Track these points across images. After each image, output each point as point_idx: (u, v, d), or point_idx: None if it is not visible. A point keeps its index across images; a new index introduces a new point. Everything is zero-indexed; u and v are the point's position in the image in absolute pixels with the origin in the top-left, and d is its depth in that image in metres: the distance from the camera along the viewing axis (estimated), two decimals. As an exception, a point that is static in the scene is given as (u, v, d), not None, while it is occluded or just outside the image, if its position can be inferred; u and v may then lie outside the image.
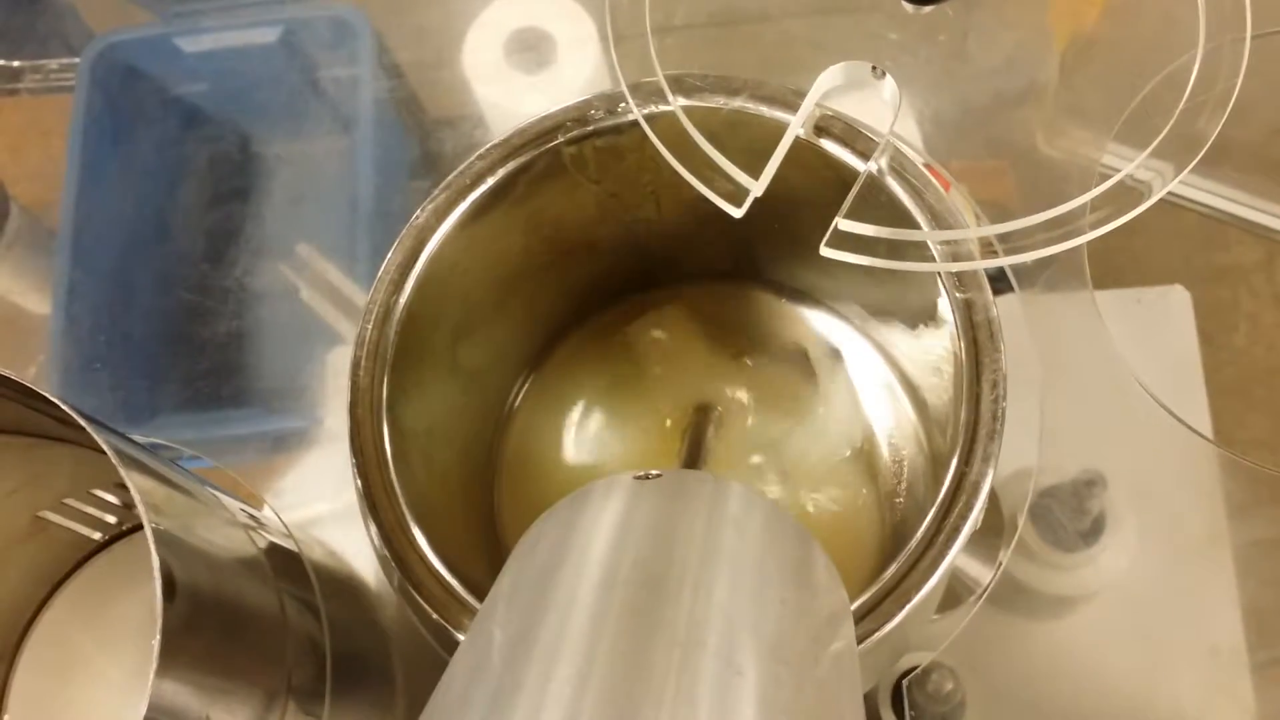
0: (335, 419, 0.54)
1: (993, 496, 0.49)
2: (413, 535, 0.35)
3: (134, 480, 0.31)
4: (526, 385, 0.48)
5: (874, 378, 0.48)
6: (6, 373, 0.33)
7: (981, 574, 0.48)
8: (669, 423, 0.48)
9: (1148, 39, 0.45)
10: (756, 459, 0.47)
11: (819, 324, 0.49)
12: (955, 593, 0.48)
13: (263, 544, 0.40)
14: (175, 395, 0.57)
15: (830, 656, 0.26)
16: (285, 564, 0.40)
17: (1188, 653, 0.50)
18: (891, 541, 0.47)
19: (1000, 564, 0.47)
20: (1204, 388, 0.57)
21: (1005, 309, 0.36)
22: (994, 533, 0.49)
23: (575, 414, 0.48)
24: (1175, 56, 0.40)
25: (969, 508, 0.34)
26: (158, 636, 0.29)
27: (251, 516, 0.42)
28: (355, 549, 0.50)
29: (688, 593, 0.24)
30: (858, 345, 0.48)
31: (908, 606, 0.33)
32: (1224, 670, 0.49)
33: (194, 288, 0.59)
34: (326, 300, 0.60)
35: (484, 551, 0.45)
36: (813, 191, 0.39)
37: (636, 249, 0.46)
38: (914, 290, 0.40)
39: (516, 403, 0.48)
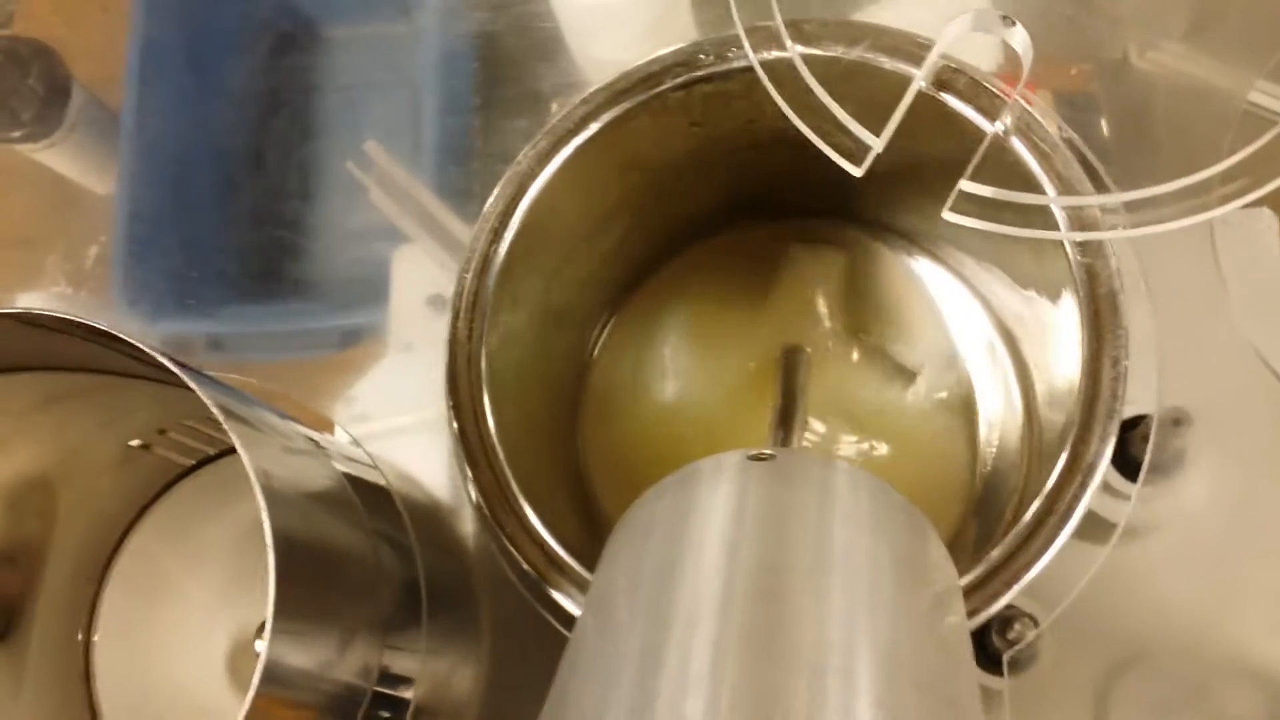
0: (401, 323, 0.53)
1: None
2: (512, 493, 0.35)
3: (230, 425, 0.31)
4: (611, 323, 0.48)
5: (972, 327, 0.47)
6: (94, 322, 0.32)
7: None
8: (754, 364, 0.47)
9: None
10: (849, 403, 0.47)
11: (918, 268, 0.47)
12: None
13: (342, 473, 0.40)
14: (236, 288, 0.57)
15: (939, 637, 0.26)
16: (372, 497, 0.40)
17: (1255, 590, 0.50)
18: (981, 490, 0.46)
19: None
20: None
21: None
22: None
23: (660, 354, 0.47)
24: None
25: (1083, 488, 0.33)
26: (271, 593, 0.29)
27: (320, 444, 0.42)
28: (430, 465, 0.49)
29: (808, 604, 0.24)
30: (957, 293, 0.47)
31: (1016, 587, 0.32)
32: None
33: (257, 174, 0.58)
34: (391, 198, 0.59)
35: (566, 489, 0.45)
36: (929, 143, 0.37)
37: (731, 189, 0.45)
38: (1028, 251, 0.38)
39: (600, 341, 0.47)
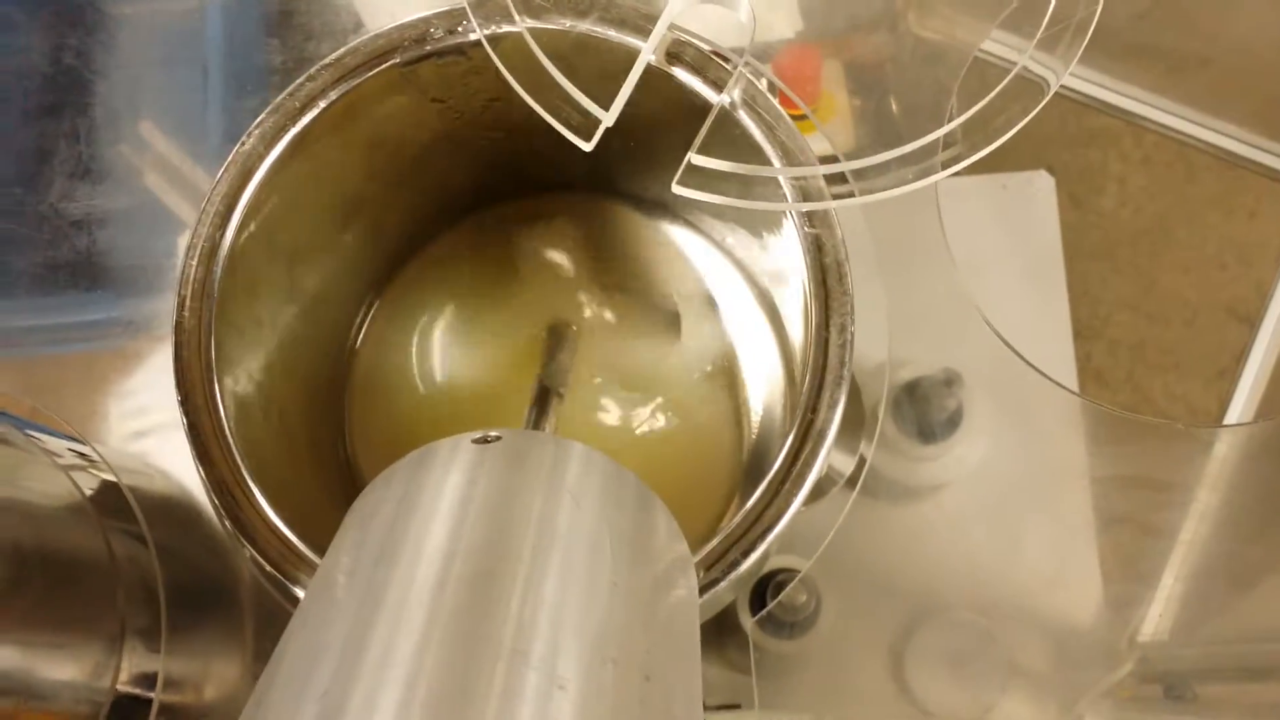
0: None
1: (855, 390, 0.50)
2: (249, 488, 0.34)
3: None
4: (373, 310, 0.46)
5: (733, 295, 0.47)
6: None
7: (845, 467, 0.49)
8: (524, 342, 0.47)
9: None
10: (615, 378, 0.47)
11: (678, 238, 0.48)
12: (819, 485, 0.48)
13: (91, 485, 0.38)
14: (20, 281, 0.54)
15: (656, 616, 0.26)
16: (112, 501, 0.39)
17: (1035, 543, 0.52)
18: (750, 459, 0.47)
19: (864, 457, 0.48)
20: (1064, 278, 0.57)
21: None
22: (856, 426, 0.50)
23: (426, 338, 0.47)
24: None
25: (814, 455, 0.33)
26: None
27: (81, 455, 0.40)
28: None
29: (518, 591, 0.23)
30: (716, 261, 0.47)
31: (753, 555, 0.33)
32: (1072, 538, 0.51)
33: (38, 161, 0.55)
34: (171, 185, 0.57)
35: (335, 485, 0.44)
36: (667, 115, 0.38)
37: (485, 165, 0.44)
38: (769, 220, 0.39)
39: (363, 329, 0.46)
